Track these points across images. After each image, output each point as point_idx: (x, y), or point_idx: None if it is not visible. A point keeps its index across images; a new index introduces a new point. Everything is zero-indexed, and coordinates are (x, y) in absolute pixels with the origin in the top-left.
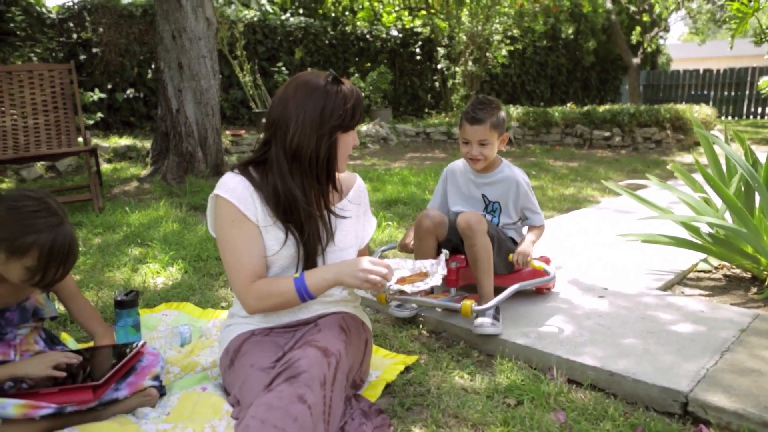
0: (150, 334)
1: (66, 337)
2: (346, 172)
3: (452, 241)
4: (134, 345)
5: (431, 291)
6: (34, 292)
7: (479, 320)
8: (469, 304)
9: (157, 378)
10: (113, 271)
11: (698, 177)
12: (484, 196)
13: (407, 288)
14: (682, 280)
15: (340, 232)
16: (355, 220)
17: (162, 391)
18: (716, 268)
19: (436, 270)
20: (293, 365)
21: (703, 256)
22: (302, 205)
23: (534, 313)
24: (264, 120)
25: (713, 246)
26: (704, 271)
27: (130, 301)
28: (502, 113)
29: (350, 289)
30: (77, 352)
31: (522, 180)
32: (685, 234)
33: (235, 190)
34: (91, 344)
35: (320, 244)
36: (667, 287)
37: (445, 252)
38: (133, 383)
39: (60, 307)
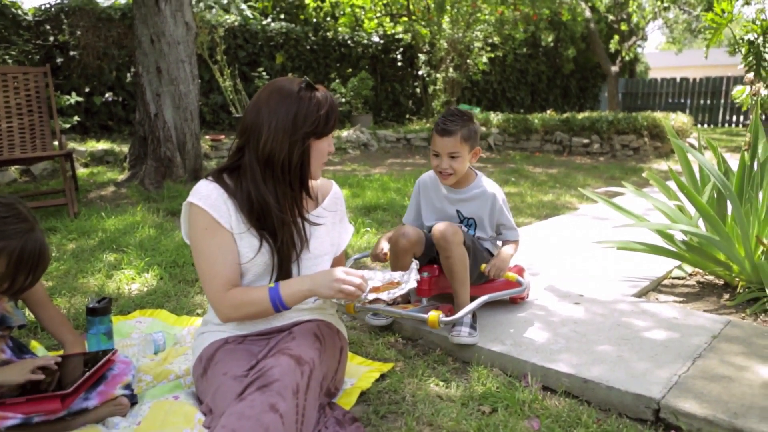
0: (123, 341)
1: (36, 345)
2: (321, 179)
3: (428, 256)
4: (105, 353)
5: (408, 300)
6: (1, 299)
7: (456, 329)
8: (435, 315)
9: (128, 387)
10: (87, 278)
11: (673, 185)
12: (458, 212)
13: (383, 296)
14: (656, 286)
15: (315, 239)
16: (331, 227)
17: (133, 400)
18: (690, 274)
19: (408, 279)
20: (265, 374)
21: (678, 263)
22: (275, 212)
23: (510, 321)
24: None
25: (687, 253)
26: (678, 278)
27: (102, 308)
28: (475, 126)
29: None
30: (49, 359)
31: (498, 196)
32: (660, 241)
33: (208, 197)
34: (61, 352)
35: (294, 251)
36: (642, 294)
37: (415, 261)
38: (104, 392)
39: (29, 315)
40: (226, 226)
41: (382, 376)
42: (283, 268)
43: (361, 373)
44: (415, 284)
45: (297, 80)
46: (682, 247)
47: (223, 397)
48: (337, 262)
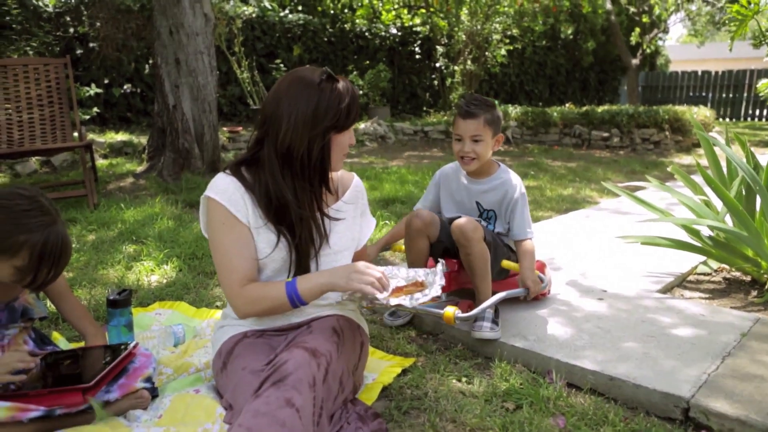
0: (143, 333)
1: (57, 337)
2: (342, 171)
3: (443, 243)
4: (126, 346)
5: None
6: (23, 291)
7: (477, 324)
8: (451, 312)
9: (149, 380)
10: (107, 269)
11: (697, 179)
12: (478, 203)
13: (406, 301)
14: (681, 282)
15: (335, 234)
16: (351, 221)
17: (154, 393)
18: (716, 270)
19: (433, 280)
20: (280, 368)
21: (703, 258)
22: (293, 207)
23: (533, 316)
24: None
25: (713, 249)
26: (704, 274)
27: (122, 300)
28: (498, 112)
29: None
30: (69, 351)
31: (518, 189)
32: (684, 236)
33: (225, 191)
34: (82, 344)
35: (313, 248)
36: (667, 290)
37: (441, 262)
38: (125, 385)
39: (51, 306)
40: (243, 220)
41: (404, 371)
42: (301, 265)
43: (382, 368)
44: (439, 291)
45: (318, 70)
46: (709, 243)
47: (242, 393)
48: (359, 256)
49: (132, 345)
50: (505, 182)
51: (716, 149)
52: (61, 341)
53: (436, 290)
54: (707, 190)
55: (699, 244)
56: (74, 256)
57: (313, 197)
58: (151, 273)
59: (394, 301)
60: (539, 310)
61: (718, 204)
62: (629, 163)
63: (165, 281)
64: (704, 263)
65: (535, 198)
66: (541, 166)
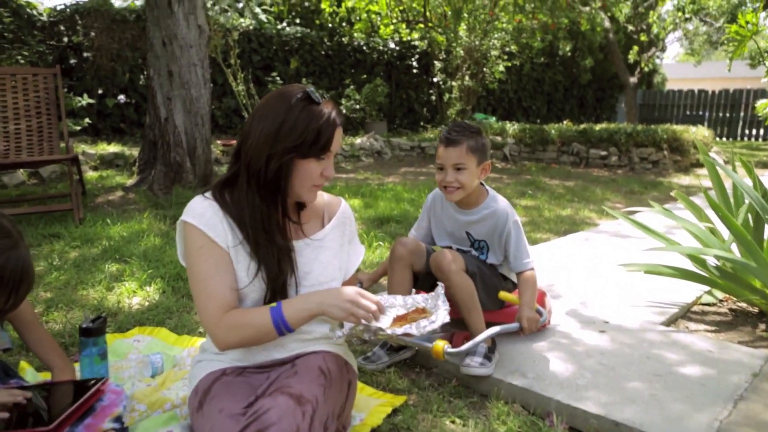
0: (119, 362)
1: (25, 366)
2: (329, 196)
3: (432, 274)
4: (96, 381)
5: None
6: None
7: (467, 359)
8: (441, 346)
9: (118, 419)
10: (87, 289)
11: (697, 200)
12: (468, 234)
13: (412, 330)
14: (686, 313)
15: (319, 264)
16: (338, 249)
17: None
18: (721, 301)
19: (435, 305)
20: (261, 417)
21: (708, 288)
22: (249, 229)
23: (531, 350)
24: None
25: (720, 279)
26: (709, 305)
27: (96, 329)
28: (484, 139)
29: (334, 326)
30: (36, 386)
31: (510, 219)
32: (689, 265)
33: (203, 215)
34: (50, 375)
35: (291, 277)
36: (671, 321)
37: (441, 285)
38: (92, 426)
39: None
40: (222, 245)
41: (394, 411)
42: (276, 294)
43: (371, 406)
44: (447, 317)
45: (302, 88)
46: (715, 273)
47: None
48: (348, 285)
49: (101, 381)
50: (495, 212)
51: (720, 172)
52: (29, 372)
53: (443, 316)
54: (710, 213)
55: (705, 274)
56: (53, 275)
57: (271, 222)
58: (133, 295)
59: (399, 331)
60: (538, 342)
61: (723, 231)
62: (628, 183)
63: (147, 304)
64: (709, 293)
65: (533, 219)
66: (539, 184)
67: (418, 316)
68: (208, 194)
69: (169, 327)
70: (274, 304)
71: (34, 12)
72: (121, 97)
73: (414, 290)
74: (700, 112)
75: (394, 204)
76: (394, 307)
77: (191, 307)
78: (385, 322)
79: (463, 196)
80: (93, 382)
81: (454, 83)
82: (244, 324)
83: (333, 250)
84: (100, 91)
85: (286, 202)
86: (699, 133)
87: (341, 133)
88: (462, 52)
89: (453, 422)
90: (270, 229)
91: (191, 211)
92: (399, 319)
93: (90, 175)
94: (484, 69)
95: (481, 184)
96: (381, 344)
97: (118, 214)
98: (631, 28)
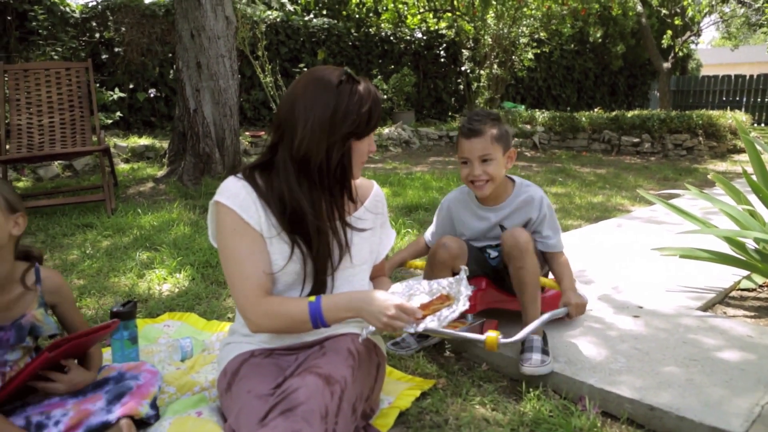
0: (149, 347)
1: None
2: (361, 179)
3: (476, 271)
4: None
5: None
6: (31, 307)
7: (527, 356)
8: (494, 337)
9: (154, 404)
10: (118, 277)
11: (740, 186)
12: (502, 227)
13: (434, 323)
14: (723, 299)
15: (354, 247)
16: (371, 232)
17: (156, 419)
18: (761, 286)
19: (458, 290)
20: (290, 396)
21: (747, 273)
22: (310, 218)
23: (563, 335)
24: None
25: (759, 263)
26: (748, 290)
27: (127, 313)
28: (506, 126)
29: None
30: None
31: (545, 201)
32: (726, 249)
33: (237, 195)
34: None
35: (330, 262)
36: (708, 307)
37: (464, 268)
38: (128, 405)
39: None
40: (256, 227)
41: (423, 395)
42: (317, 280)
43: (399, 390)
44: (467, 303)
45: (337, 70)
46: (755, 257)
47: (246, 419)
48: (377, 270)
49: (110, 323)
50: (529, 198)
51: (761, 152)
52: None
53: (463, 303)
54: (752, 198)
55: (743, 258)
56: (86, 263)
57: (334, 207)
58: (163, 282)
59: (421, 327)
60: (570, 328)
61: (764, 214)
62: (661, 170)
63: (177, 290)
64: (748, 278)
65: (563, 206)
66: (570, 172)
67: (441, 304)
68: (240, 175)
69: (199, 312)
70: (312, 298)
71: (67, 9)
72: (152, 91)
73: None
74: (737, 98)
75: (423, 192)
76: (418, 294)
77: (220, 293)
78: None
79: (494, 189)
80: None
81: (482, 72)
82: (281, 313)
83: (367, 233)
84: (131, 86)
85: (350, 187)
86: (736, 118)
87: None
88: (490, 40)
89: (483, 406)
90: (333, 217)
91: (225, 191)
92: (423, 308)
93: (122, 167)
94: (513, 57)
95: (510, 179)
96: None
97: (148, 204)
98: (664, 11)
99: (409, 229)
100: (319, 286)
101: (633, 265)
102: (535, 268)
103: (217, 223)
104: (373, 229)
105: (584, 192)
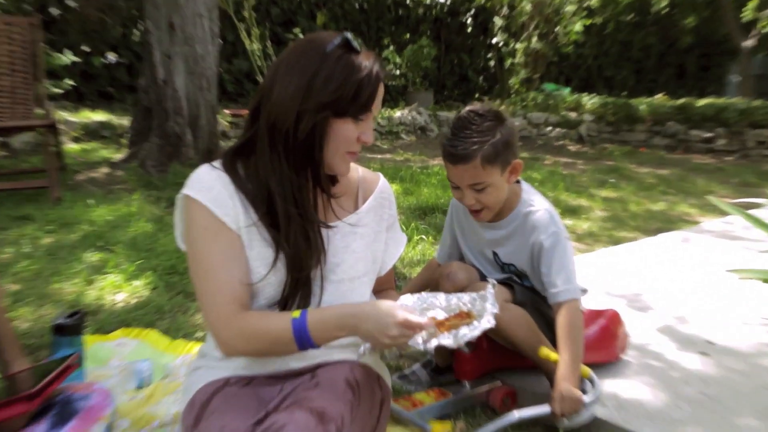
0: (98, 370)
1: None
2: (366, 171)
3: None
4: (63, 359)
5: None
6: None
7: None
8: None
9: (108, 428)
10: (62, 282)
11: None
12: (495, 255)
13: (449, 340)
14: None
15: (351, 254)
16: (374, 237)
17: None
18: None
19: (482, 307)
20: None
21: None
22: (278, 199)
23: (613, 373)
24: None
25: None
26: None
27: (72, 326)
28: (504, 131)
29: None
30: None
31: (549, 229)
32: None
33: (210, 189)
34: None
35: (316, 266)
36: None
37: (492, 282)
38: (77, 429)
39: None
40: (233, 227)
41: None
42: (298, 286)
43: None
44: (492, 321)
45: (336, 35)
46: None
47: None
48: (383, 282)
49: (71, 356)
50: (526, 223)
51: None
52: None
53: (488, 321)
54: None
55: None
56: (22, 264)
57: (301, 194)
58: (118, 290)
59: (434, 344)
60: (621, 366)
61: None
62: (740, 173)
63: (134, 301)
64: None
65: (615, 213)
66: (624, 172)
67: (460, 321)
68: (216, 164)
69: (161, 329)
70: (297, 313)
71: None
72: (111, 56)
73: None
74: None
75: (441, 191)
76: (433, 308)
77: (188, 306)
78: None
79: (493, 214)
80: (59, 360)
81: (518, 45)
82: (260, 332)
83: (368, 237)
84: (86, 48)
85: (319, 172)
86: None
87: (383, 91)
88: (529, 6)
89: None
90: (303, 203)
91: (195, 183)
92: (438, 325)
93: (70, 147)
94: (557, 28)
95: (517, 181)
96: (423, 363)
97: (102, 194)
98: None
99: (423, 236)
100: (303, 298)
101: (702, 290)
102: (516, 320)
103: (185, 222)
104: (376, 233)
105: (641, 197)
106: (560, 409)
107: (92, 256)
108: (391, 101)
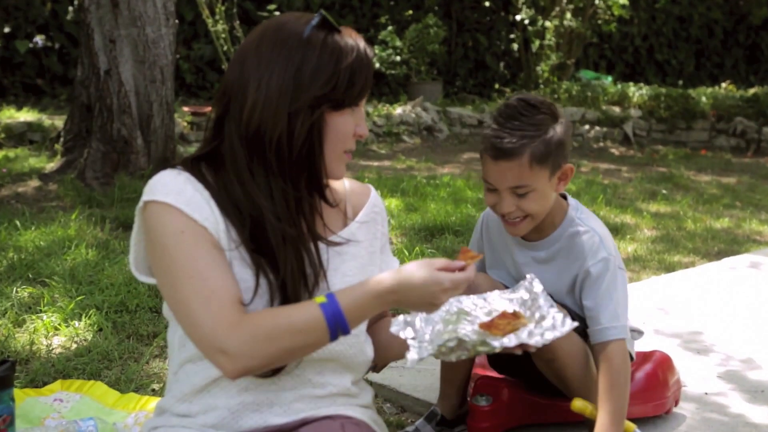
0: (32, 431)
1: None
2: (352, 182)
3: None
4: None
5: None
6: None
7: None
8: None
9: None
10: None
11: None
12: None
13: (532, 339)
14: None
15: (341, 277)
16: (369, 259)
17: None
18: None
19: (535, 305)
20: None
21: None
22: (271, 221)
23: (662, 427)
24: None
25: None
26: None
27: (1, 378)
28: (559, 128)
29: (357, 378)
30: None
31: (599, 255)
32: None
33: (181, 192)
34: None
35: (306, 289)
36: None
37: (531, 276)
38: None
39: None
40: (213, 233)
41: None
42: None
43: None
44: (568, 320)
45: (306, 16)
46: None
47: None
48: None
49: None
50: (572, 246)
51: None
52: None
53: (562, 322)
54: None
55: None
56: None
57: (298, 207)
58: (55, 333)
59: (512, 343)
60: (673, 420)
61: None
62: None
63: (74, 346)
64: None
65: (668, 232)
66: (679, 181)
67: (505, 323)
68: (180, 168)
69: (108, 381)
70: (322, 299)
71: None
72: (39, 39)
73: None
74: None
75: (452, 207)
76: (473, 311)
77: (141, 352)
78: (471, 331)
79: (533, 227)
80: None
81: (548, 23)
82: (279, 328)
83: (361, 258)
84: (6, 30)
85: (319, 179)
86: None
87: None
88: None
89: None
90: (306, 219)
91: (160, 187)
92: (483, 327)
93: None
94: (596, 2)
95: (563, 196)
96: (426, 417)
97: (32, 213)
98: None
99: None
100: None
101: None
102: (574, 355)
103: (153, 231)
104: (370, 253)
105: (701, 212)
106: None
107: (21, 292)
108: (390, 95)
